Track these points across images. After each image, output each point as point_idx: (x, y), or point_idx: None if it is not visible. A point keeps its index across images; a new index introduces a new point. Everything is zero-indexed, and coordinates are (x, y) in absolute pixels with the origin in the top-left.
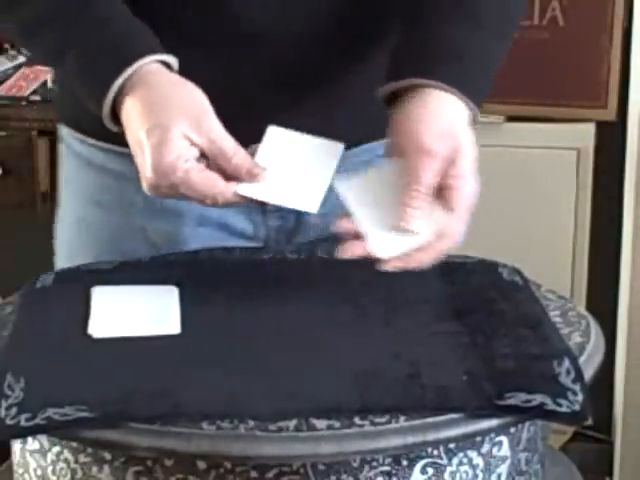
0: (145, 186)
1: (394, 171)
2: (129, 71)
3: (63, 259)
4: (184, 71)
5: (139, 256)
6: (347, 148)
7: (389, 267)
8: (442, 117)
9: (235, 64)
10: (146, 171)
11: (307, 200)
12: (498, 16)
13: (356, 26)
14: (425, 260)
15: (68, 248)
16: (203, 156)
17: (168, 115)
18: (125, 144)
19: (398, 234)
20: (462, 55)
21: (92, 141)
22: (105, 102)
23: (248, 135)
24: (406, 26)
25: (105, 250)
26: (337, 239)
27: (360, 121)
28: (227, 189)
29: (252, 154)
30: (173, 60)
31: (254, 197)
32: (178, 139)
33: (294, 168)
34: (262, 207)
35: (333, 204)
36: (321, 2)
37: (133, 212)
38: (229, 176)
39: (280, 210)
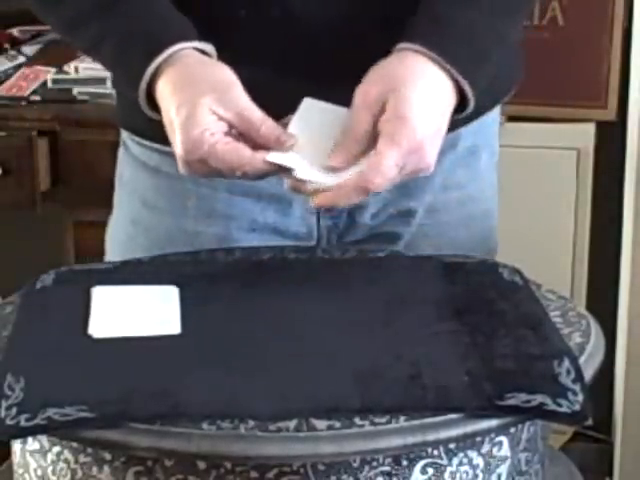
0: (179, 165)
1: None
2: (160, 58)
3: (116, 260)
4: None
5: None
6: None
7: (319, 201)
8: (388, 67)
9: (268, 49)
10: (177, 148)
11: (332, 175)
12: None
13: (389, 9)
14: (352, 196)
15: (122, 249)
16: (232, 129)
17: (195, 92)
18: None
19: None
20: (445, 23)
21: (147, 143)
22: (140, 88)
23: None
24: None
25: (157, 253)
26: (384, 237)
27: None
28: (254, 158)
29: (285, 125)
30: (209, 47)
31: (283, 164)
32: (204, 114)
33: (325, 139)
34: (316, 209)
35: (384, 201)
36: (327, 7)
37: (185, 216)
38: (259, 147)
39: (332, 210)
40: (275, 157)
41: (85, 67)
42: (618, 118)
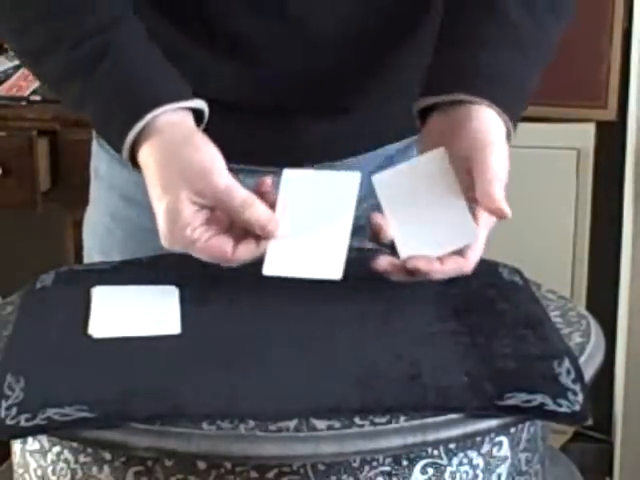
0: (165, 245)
1: (431, 168)
2: (142, 123)
3: (96, 255)
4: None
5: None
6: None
7: (409, 266)
8: (503, 143)
9: (284, 64)
10: (161, 232)
11: (329, 267)
12: (539, 44)
13: (404, 23)
14: (449, 270)
15: (101, 244)
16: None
17: (176, 179)
18: None
19: (428, 237)
20: (506, 78)
21: None
22: (123, 154)
23: (281, 124)
24: (444, 43)
25: (137, 246)
26: (364, 231)
27: (399, 117)
28: (237, 255)
29: (265, 185)
30: (200, 103)
31: (281, 275)
32: (186, 207)
33: (315, 210)
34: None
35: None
36: (370, 1)
37: None
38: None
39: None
40: (272, 270)
41: None
42: (618, 118)
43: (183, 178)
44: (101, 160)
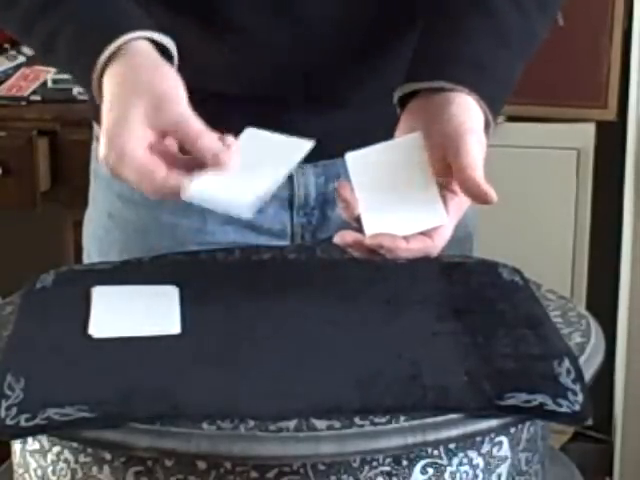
0: (102, 161)
1: (405, 151)
2: (114, 45)
3: (94, 255)
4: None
5: (167, 252)
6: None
7: (371, 242)
8: (479, 127)
9: (267, 46)
10: (102, 145)
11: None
12: (523, 37)
13: (403, 14)
14: (414, 249)
15: (99, 244)
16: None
17: (137, 95)
18: None
19: (395, 216)
20: (488, 68)
21: None
22: (93, 76)
23: (280, 119)
24: (428, 33)
25: (135, 246)
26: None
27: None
28: (163, 182)
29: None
30: (167, 40)
31: (204, 200)
32: (137, 117)
33: (251, 166)
34: (289, 205)
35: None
36: (333, 11)
37: (161, 209)
38: (195, 164)
39: (305, 207)
40: (196, 191)
41: None
42: (618, 118)
43: (146, 96)
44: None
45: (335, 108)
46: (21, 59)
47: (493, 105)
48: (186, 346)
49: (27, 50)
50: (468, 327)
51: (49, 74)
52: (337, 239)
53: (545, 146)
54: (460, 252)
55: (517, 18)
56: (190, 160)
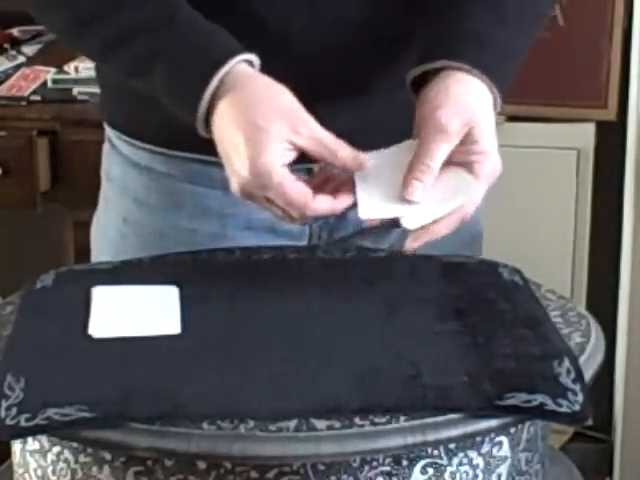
0: (236, 187)
1: (408, 151)
2: (222, 72)
3: (107, 259)
4: None
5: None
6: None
7: (417, 242)
8: (460, 98)
9: (264, 67)
10: (241, 170)
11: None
12: (522, 11)
13: (383, 31)
14: (451, 228)
15: (114, 248)
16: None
17: (267, 117)
18: (173, 147)
19: (387, 199)
20: (486, 41)
21: (138, 143)
22: (200, 105)
23: (324, 119)
24: (430, 19)
25: (151, 251)
26: (372, 230)
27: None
28: (313, 206)
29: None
30: (255, 58)
31: (383, 217)
32: (277, 141)
33: (392, 177)
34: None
35: None
36: (352, 6)
37: (179, 214)
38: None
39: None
40: (371, 213)
41: (85, 67)
42: (618, 118)
43: (277, 117)
44: (113, 162)
45: (360, 101)
46: (21, 59)
47: (497, 78)
48: (186, 346)
49: (27, 50)
50: (468, 327)
51: (49, 74)
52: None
53: (545, 146)
54: (473, 250)
55: None
56: (308, 181)
